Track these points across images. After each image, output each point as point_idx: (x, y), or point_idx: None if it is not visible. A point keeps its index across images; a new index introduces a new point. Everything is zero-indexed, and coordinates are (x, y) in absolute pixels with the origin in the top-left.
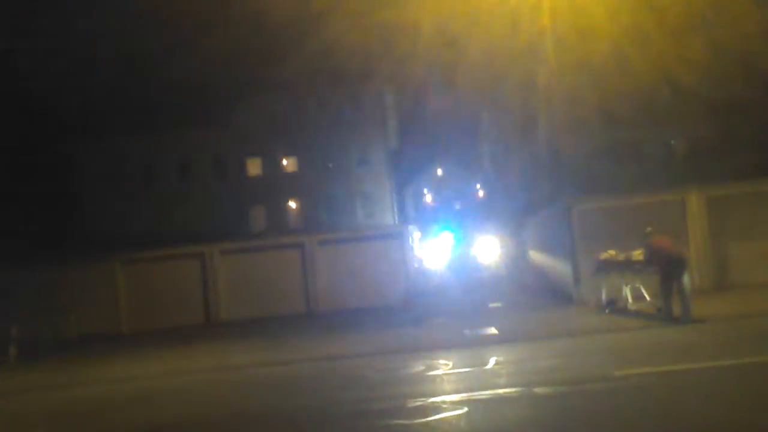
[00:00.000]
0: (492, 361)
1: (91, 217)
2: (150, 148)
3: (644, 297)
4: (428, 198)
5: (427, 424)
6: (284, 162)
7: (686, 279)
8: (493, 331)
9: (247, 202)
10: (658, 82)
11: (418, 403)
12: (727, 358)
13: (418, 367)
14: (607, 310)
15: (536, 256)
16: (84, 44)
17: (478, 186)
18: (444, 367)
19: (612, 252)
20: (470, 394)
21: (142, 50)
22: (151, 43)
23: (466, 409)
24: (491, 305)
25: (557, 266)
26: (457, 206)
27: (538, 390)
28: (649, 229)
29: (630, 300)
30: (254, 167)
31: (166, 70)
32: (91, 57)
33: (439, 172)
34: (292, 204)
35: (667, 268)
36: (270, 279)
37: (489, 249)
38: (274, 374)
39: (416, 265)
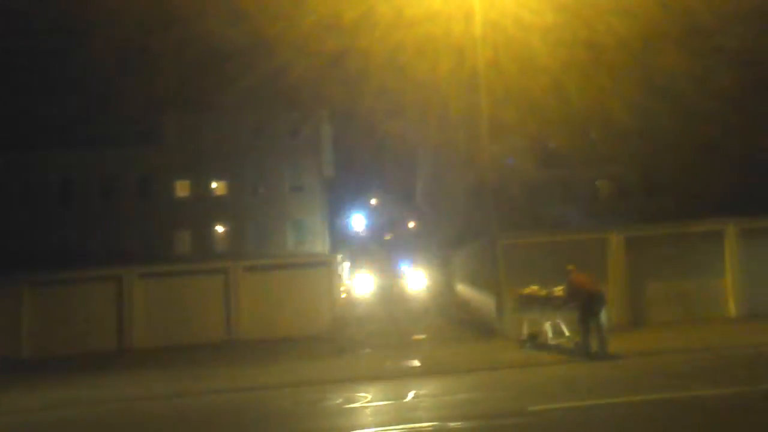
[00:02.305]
0: (411, 394)
1: (3, 237)
2: (71, 163)
3: (563, 333)
4: (359, 227)
5: None
6: (214, 185)
7: (604, 316)
8: (415, 363)
9: (173, 224)
10: (589, 121)
11: None
12: (640, 394)
13: (337, 399)
14: (527, 345)
15: (462, 288)
16: (5, 51)
17: (409, 218)
18: (362, 399)
19: (534, 287)
20: (385, 428)
21: (69, 60)
22: (80, 53)
23: None
24: (416, 337)
25: (482, 299)
26: (388, 237)
27: (452, 424)
28: (570, 266)
29: (550, 335)
30: (182, 189)
31: (95, 83)
32: (13, 65)
33: (373, 201)
34: (220, 228)
35: (586, 304)
36: (191, 305)
37: (417, 280)
38: (187, 406)
39: (344, 295)
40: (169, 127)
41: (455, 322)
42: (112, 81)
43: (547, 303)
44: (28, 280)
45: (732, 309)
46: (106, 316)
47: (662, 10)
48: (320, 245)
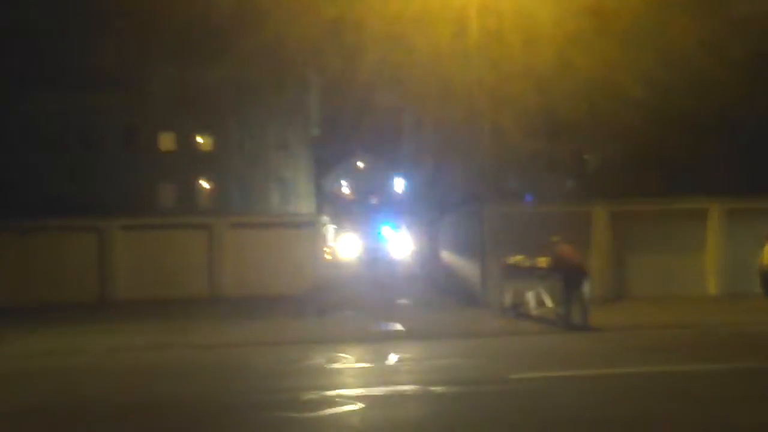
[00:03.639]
0: (393, 357)
1: None
2: (53, 109)
3: (546, 303)
4: (345, 189)
5: (318, 417)
6: (199, 140)
7: (586, 288)
8: (398, 327)
9: (157, 177)
10: (593, 93)
11: (312, 396)
12: (620, 367)
13: (318, 359)
14: (510, 314)
15: (447, 255)
16: None
17: (397, 182)
18: (344, 360)
19: (519, 257)
20: (367, 389)
21: (58, 6)
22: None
23: (360, 404)
24: (399, 301)
25: (466, 267)
26: (374, 200)
27: (434, 389)
28: (555, 238)
29: (532, 305)
30: (167, 142)
31: (79, 28)
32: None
33: (360, 164)
34: (205, 183)
35: (569, 276)
36: (174, 260)
37: (402, 245)
38: (166, 358)
39: (328, 256)
40: (155, 78)
41: (439, 289)
42: (100, 30)
43: (531, 273)
44: (5, 227)
45: (712, 287)
46: (88, 267)
47: None
48: (305, 206)
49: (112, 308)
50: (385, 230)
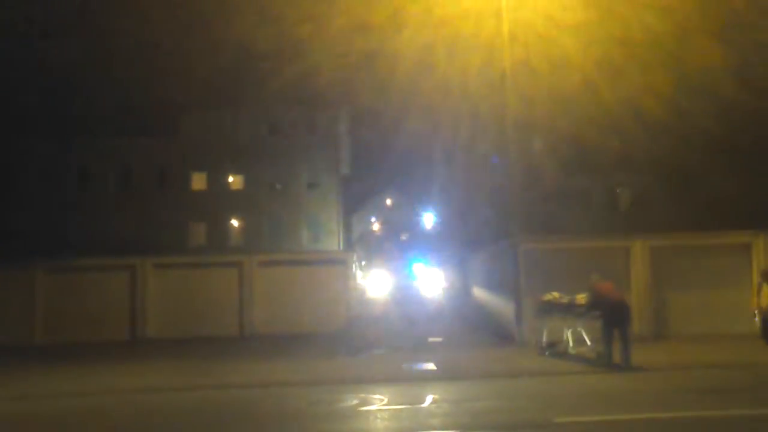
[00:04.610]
0: (428, 399)
1: (23, 220)
2: (90, 152)
3: (585, 341)
4: (375, 227)
5: None
6: (230, 179)
7: (628, 326)
8: (431, 366)
9: (189, 216)
10: (621, 123)
11: None
12: (666, 411)
13: (351, 401)
14: (547, 353)
15: (480, 292)
16: (30, 39)
17: (427, 218)
18: (378, 402)
19: (555, 294)
20: None
21: (93, 50)
22: (104, 44)
23: None
24: (431, 339)
25: (500, 304)
26: (404, 237)
27: None
28: (594, 274)
29: (571, 344)
30: (199, 181)
31: (117, 73)
32: (36, 52)
33: (389, 202)
34: (235, 222)
35: (609, 314)
36: (205, 298)
37: (433, 281)
38: (197, 399)
39: (359, 293)
40: (187, 120)
41: (472, 326)
42: (135, 76)
43: (568, 310)
44: (43, 266)
45: (760, 325)
46: (120, 306)
47: (698, 3)
48: (335, 243)
49: (143, 347)
50: (416, 267)
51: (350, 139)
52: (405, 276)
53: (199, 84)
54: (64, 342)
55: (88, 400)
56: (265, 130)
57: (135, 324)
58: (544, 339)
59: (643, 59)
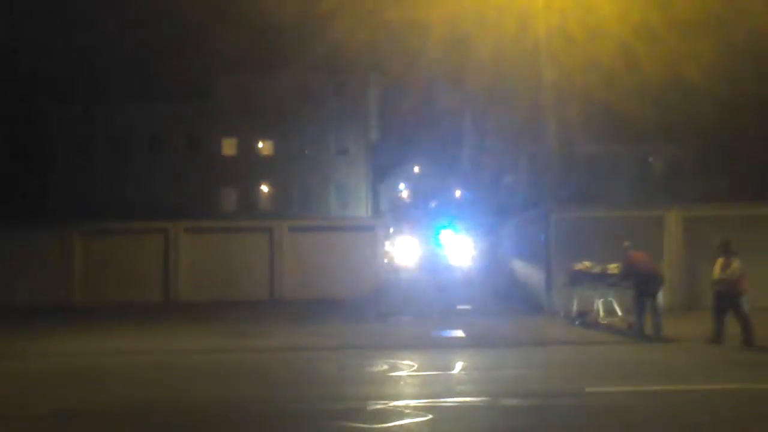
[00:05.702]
0: (458, 365)
1: (61, 184)
2: (122, 118)
3: (616, 311)
4: (404, 194)
5: (387, 430)
6: (260, 145)
7: (660, 297)
8: (460, 333)
9: (219, 181)
10: (661, 91)
11: (379, 407)
12: (698, 382)
13: (381, 366)
14: (577, 322)
15: (509, 260)
16: (61, 10)
17: (456, 186)
18: (408, 368)
19: (587, 263)
20: (435, 400)
21: (129, 17)
22: (140, 12)
23: (430, 416)
24: (460, 307)
25: (530, 272)
26: (433, 204)
27: (506, 401)
28: (627, 243)
29: (601, 313)
30: (229, 147)
31: (147, 40)
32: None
33: (417, 169)
34: (265, 188)
35: (642, 284)
36: (235, 262)
37: (462, 250)
38: (229, 362)
39: (388, 260)
40: (217, 86)
41: (501, 294)
42: (166, 42)
43: (600, 280)
44: (79, 230)
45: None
46: (153, 268)
47: None
48: (363, 209)
49: (175, 310)
50: (445, 235)
51: (379, 105)
52: (434, 243)
53: (229, 50)
54: (101, 303)
55: (117, 359)
56: (295, 95)
57: (167, 286)
58: (575, 308)
59: (684, 23)
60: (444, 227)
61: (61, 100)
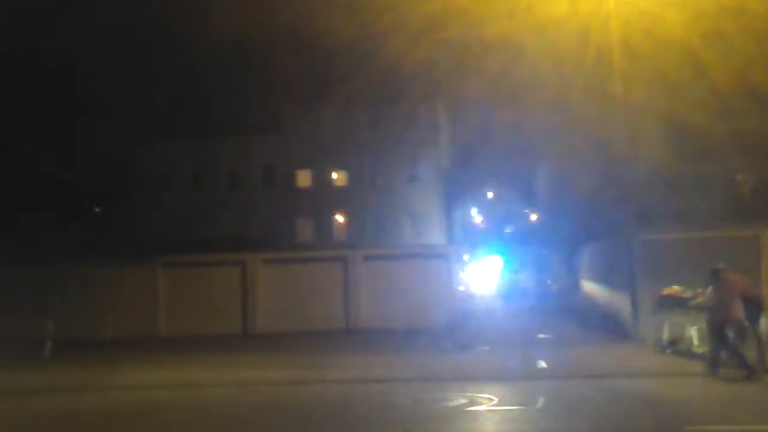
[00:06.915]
0: (540, 400)
1: (141, 218)
2: (202, 152)
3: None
4: (477, 219)
5: None
6: (334, 176)
7: (763, 323)
8: (542, 364)
9: (294, 213)
10: (736, 104)
11: None
12: None
13: (459, 399)
14: (668, 351)
15: (591, 285)
16: (144, 45)
17: (530, 210)
18: (487, 402)
19: (676, 288)
20: None
21: (202, 54)
22: (212, 48)
23: None
24: (540, 335)
25: (614, 298)
26: (508, 230)
27: None
28: (721, 265)
29: (696, 342)
30: (304, 179)
31: (224, 75)
32: (150, 58)
33: (490, 194)
34: (339, 218)
35: (743, 310)
36: (311, 292)
37: (540, 276)
38: (306, 394)
39: (463, 288)
40: (289, 118)
41: (582, 322)
42: (242, 79)
43: (692, 305)
44: (162, 262)
45: None
46: (232, 300)
47: None
48: (437, 237)
49: (253, 340)
50: (521, 260)
51: (450, 131)
52: (510, 269)
53: (298, 82)
54: (184, 334)
55: (199, 392)
56: (367, 127)
57: (246, 317)
58: (665, 336)
59: (759, 31)
60: (520, 252)
61: (140, 135)
